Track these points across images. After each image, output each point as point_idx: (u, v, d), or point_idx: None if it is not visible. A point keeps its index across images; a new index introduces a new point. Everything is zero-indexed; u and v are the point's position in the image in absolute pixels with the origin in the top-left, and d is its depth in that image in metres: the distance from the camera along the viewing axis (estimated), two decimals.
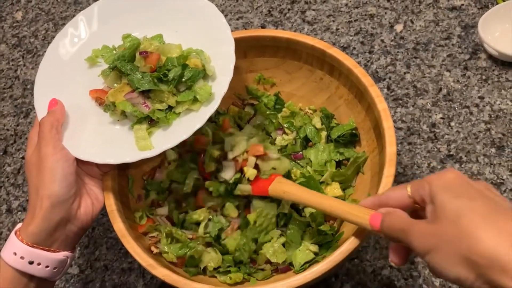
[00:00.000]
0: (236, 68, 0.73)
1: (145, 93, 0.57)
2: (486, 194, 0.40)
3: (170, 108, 0.57)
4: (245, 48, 0.71)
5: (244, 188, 0.61)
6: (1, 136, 0.86)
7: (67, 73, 0.63)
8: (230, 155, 0.62)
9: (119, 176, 0.62)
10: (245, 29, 0.90)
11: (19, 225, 0.54)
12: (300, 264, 0.59)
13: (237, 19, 0.92)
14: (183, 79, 0.56)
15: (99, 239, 0.75)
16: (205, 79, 0.58)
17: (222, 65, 0.58)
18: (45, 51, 0.93)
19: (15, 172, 0.82)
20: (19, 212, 0.79)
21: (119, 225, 0.56)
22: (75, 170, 0.55)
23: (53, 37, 0.95)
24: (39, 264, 0.52)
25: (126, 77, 0.57)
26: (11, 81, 0.92)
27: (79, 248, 0.74)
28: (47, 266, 0.53)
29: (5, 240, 0.75)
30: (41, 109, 0.60)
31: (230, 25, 0.91)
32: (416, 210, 0.46)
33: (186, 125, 0.56)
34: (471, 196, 0.40)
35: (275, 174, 0.61)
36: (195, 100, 0.56)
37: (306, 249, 0.60)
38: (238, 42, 0.68)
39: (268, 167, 0.61)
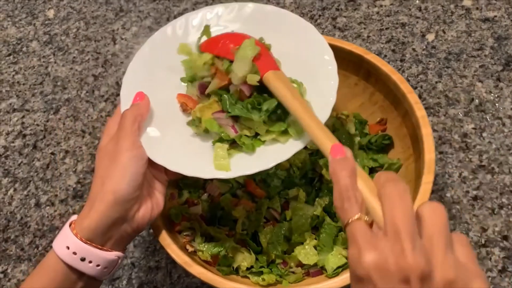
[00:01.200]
0: None
1: (235, 117, 0.54)
2: None
3: (256, 134, 0.55)
4: None
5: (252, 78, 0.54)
6: (32, 131, 0.87)
7: (161, 67, 0.60)
8: None
9: None
10: None
11: (74, 217, 0.52)
12: (333, 268, 0.59)
13: None
14: (278, 111, 0.53)
15: None
16: None
17: (319, 103, 0.54)
18: (76, 49, 0.95)
19: (44, 167, 0.83)
20: (48, 207, 0.79)
21: (156, 223, 0.57)
22: (145, 171, 0.53)
23: (85, 36, 0.98)
24: (90, 262, 0.50)
25: (217, 96, 0.55)
26: (42, 78, 0.93)
27: None
28: (98, 265, 0.51)
29: (33, 235, 0.77)
30: (126, 99, 0.57)
31: None
32: None
33: (269, 155, 0.53)
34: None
35: (274, 63, 0.55)
36: (284, 132, 0.53)
37: (338, 254, 0.59)
38: None
39: None
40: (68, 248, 0.50)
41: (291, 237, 0.62)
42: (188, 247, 0.60)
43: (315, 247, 0.62)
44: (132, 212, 0.52)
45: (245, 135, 0.54)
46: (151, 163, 0.54)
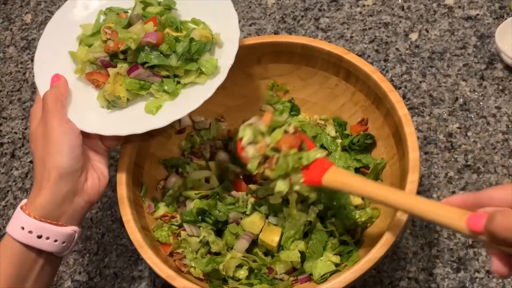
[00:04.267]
0: (250, 75, 0.72)
1: (151, 68, 0.57)
2: None
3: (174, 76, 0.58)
4: (259, 54, 0.70)
5: (295, 179, 0.53)
6: (9, 139, 0.85)
7: (68, 46, 0.62)
8: None
9: (133, 185, 0.61)
10: (258, 35, 0.89)
11: (24, 201, 0.53)
12: (320, 274, 0.58)
13: (250, 25, 0.91)
14: (191, 53, 0.56)
15: (108, 246, 0.73)
16: (210, 52, 0.58)
17: (227, 38, 0.58)
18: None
19: (23, 176, 0.81)
20: None
21: (135, 236, 0.55)
22: (81, 142, 0.54)
23: None
24: (47, 238, 0.51)
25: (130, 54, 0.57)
26: (20, 84, 0.91)
27: (87, 254, 0.73)
28: (55, 240, 0.52)
29: None
30: (42, 84, 0.59)
31: (242, 31, 0.90)
32: None
33: (193, 96, 0.56)
34: None
35: (326, 161, 0.53)
36: (201, 73, 0.56)
37: (327, 260, 0.58)
38: (253, 48, 0.68)
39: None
40: (23, 228, 0.50)
41: (284, 246, 0.61)
42: (181, 267, 0.59)
43: (301, 251, 0.61)
44: (80, 184, 0.54)
45: (166, 78, 0.57)
46: (84, 136, 0.55)
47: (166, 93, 0.57)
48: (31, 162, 0.82)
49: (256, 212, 0.63)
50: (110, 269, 0.71)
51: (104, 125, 0.56)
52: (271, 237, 0.61)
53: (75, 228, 0.54)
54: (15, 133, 0.85)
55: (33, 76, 0.90)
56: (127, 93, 0.57)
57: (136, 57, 0.56)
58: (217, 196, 0.64)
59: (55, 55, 0.61)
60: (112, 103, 0.58)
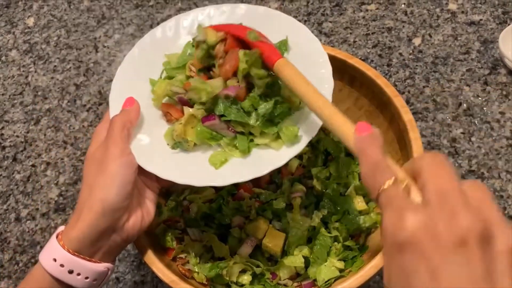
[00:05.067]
0: None
1: (227, 121, 0.52)
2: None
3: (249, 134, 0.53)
4: None
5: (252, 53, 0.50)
6: (11, 143, 0.85)
7: (150, 71, 0.58)
8: None
9: None
10: None
11: (61, 228, 0.50)
12: (324, 280, 0.57)
13: None
14: (273, 116, 0.51)
15: None
16: (290, 118, 0.52)
17: None
18: (57, 58, 0.93)
19: (25, 179, 0.80)
20: (28, 221, 0.77)
21: (138, 240, 0.54)
22: (135, 179, 0.51)
23: (66, 44, 0.95)
24: (78, 274, 0.48)
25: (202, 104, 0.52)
26: (22, 88, 0.90)
27: None
28: (86, 278, 0.49)
29: (13, 251, 0.74)
30: (115, 104, 0.55)
31: None
32: None
33: (263, 161, 0.51)
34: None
35: (278, 52, 0.51)
36: (278, 137, 0.51)
37: (332, 266, 0.58)
38: None
39: None
40: (55, 260, 0.48)
41: (288, 251, 0.60)
42: (185, 272, 0.58)
43: (304, 257, 0.60)
44: (121, 221, 0.50)
45: (241, 134, 0.52)
46: (142, 171, 0.51)
47: (236, 148, 0.52)
48: (32, 165, 0.82)
49: (260, 217, 0.62)
50: (112, 273, 0.71)
51: (163, 167, 0.52)
52: (275, 242, 0.60)
53: (108, 265, 0.51)
54: (17, 136, 0.85)
55: (35, 80, 0.91)
56: (197, 139, 0.53)
57: (213, 104, 0.52)
58: (222, 200, 0.63)
59: (137, 75, 0.57)
60: (178, 144, 0.54)
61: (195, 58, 0.54)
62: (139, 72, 0.58)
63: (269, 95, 0.52)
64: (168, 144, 0.54)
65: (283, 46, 0.55)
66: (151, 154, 0.52)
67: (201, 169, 0.51)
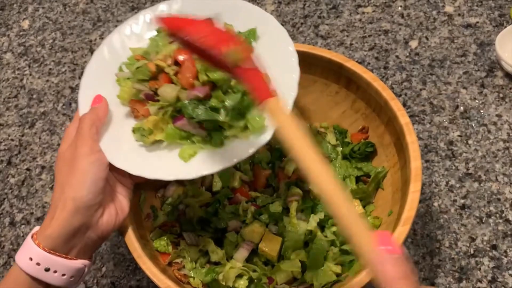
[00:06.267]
0: None
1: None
2: None
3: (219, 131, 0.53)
4: None
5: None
6: (6, 146, 0.84)
7: (116, 69, 0.58)
8: None
9: (132, 193, 0.60)
10: None
11: (36, 228, 0.51)
12: (321, 284, 0.57)
13: None
14: (242, 108, 0.51)
15: (106, 255, 0.72)
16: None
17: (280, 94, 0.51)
18: (52, 61, 0.92)
19: (19, 183, 0.80)
20: (23, 226, 0.76)
21: (134, 245, 0.54)
22: (106, 176, 0.51)
23: (61, 47, 0.95)
24: (55, 271, 0.49)
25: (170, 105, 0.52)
26: (17, 91, 0.90)
27: None
28: (63, 274, 0.50)
29: (8, 255, 0.73)
30: (84, 103, 0.55)
31: None
32: None
33: (232, 151, 0.51)
34: None
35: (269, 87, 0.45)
36: (245, 128, 0.51)
37: (329, 270, 0.57)
38: None
39: None
40: (31, 259, 0.48)
41: (284, 255, 0.60)
42: (180, 277, 0.58)
43: (301, 261, 0.60)
44: (95, 218, 0.51)
45: (212, 130, 0.52)
46: (113, 167, 0.52)
47: (208, 143, 0.53)
48: (27, 169, 0.81)
49: (256, 221, 0.62)
50: (108, 278, 0.70)
51: (134, 163, 0.52)
52: (271, 246, 0.60)
53: (85, 262, 0.51)
54: (12, 140, 0.84)
55: (30, 83, 0.90)
56: (167, 139, 0.53)
57: (182, 106, 0.52)
58: (218, 204, 0.63)
59: (105, 73, 0.57)
60: (138, 132, 0.54)
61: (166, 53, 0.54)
62: (107, 69, 0.58)
63: (232, 88, 0.52)
64: (136, 140, 0.54)
65: (252, 35, 0.56)
66: (120, 150, 0.53)
67: (171, 163, 0.52)
